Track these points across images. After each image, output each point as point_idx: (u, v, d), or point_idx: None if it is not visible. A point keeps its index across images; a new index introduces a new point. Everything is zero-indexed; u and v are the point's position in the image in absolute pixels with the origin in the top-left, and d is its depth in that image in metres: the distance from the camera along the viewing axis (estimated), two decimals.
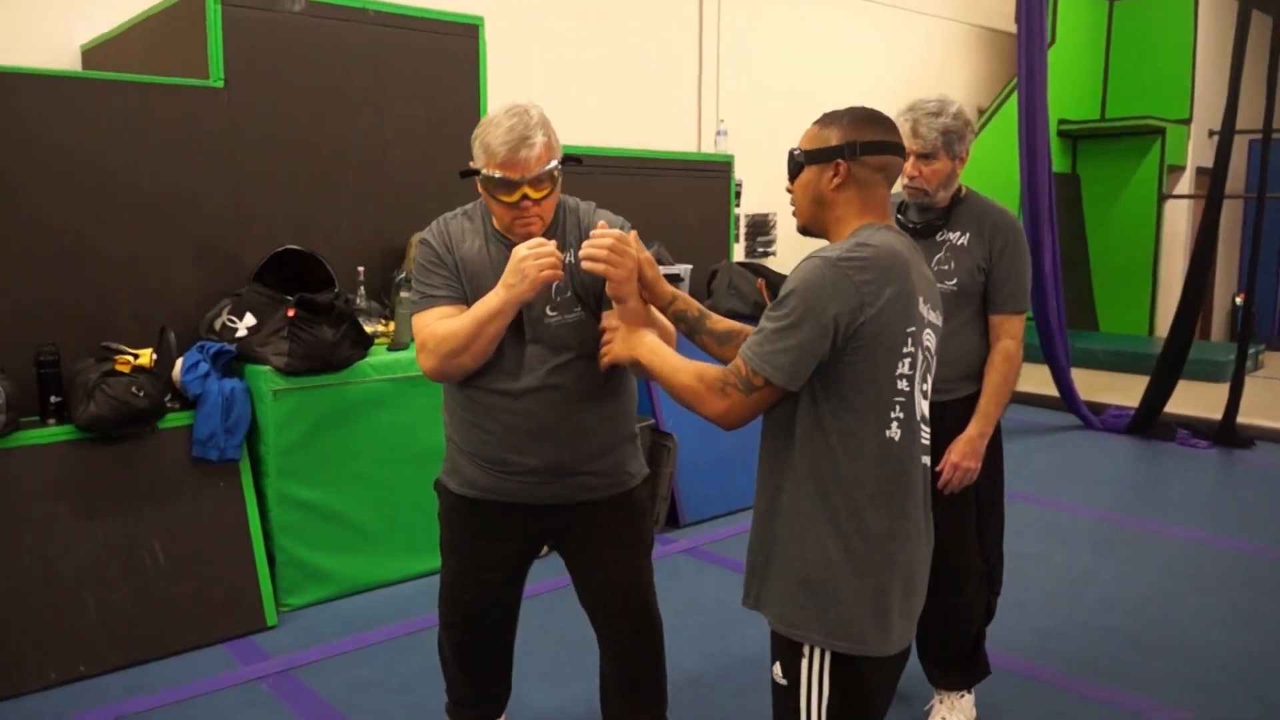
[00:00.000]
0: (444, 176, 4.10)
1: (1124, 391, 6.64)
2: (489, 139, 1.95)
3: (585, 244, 1.83)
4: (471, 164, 2.01)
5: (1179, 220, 10.10)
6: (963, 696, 2.62)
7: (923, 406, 1.63)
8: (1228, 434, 5.78)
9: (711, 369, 1.63)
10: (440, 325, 1.97)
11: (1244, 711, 2.75)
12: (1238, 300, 11.04)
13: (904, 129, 2.32)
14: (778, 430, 1.64)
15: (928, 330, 1.63)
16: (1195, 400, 6.41)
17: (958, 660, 2.60)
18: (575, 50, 6.01)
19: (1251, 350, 8.29)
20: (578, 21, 6.02)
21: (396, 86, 3.97)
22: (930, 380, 1.69)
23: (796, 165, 1.66)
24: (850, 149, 1.60)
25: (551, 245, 1.92)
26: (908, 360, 1.57)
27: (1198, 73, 9.80)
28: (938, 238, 2.43)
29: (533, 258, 1.88)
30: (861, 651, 1.59)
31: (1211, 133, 9.47)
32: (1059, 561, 3.90)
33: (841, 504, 1.57)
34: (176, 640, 3.03)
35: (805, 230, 1.72)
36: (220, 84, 3.52)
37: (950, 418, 2.42)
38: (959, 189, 2.45)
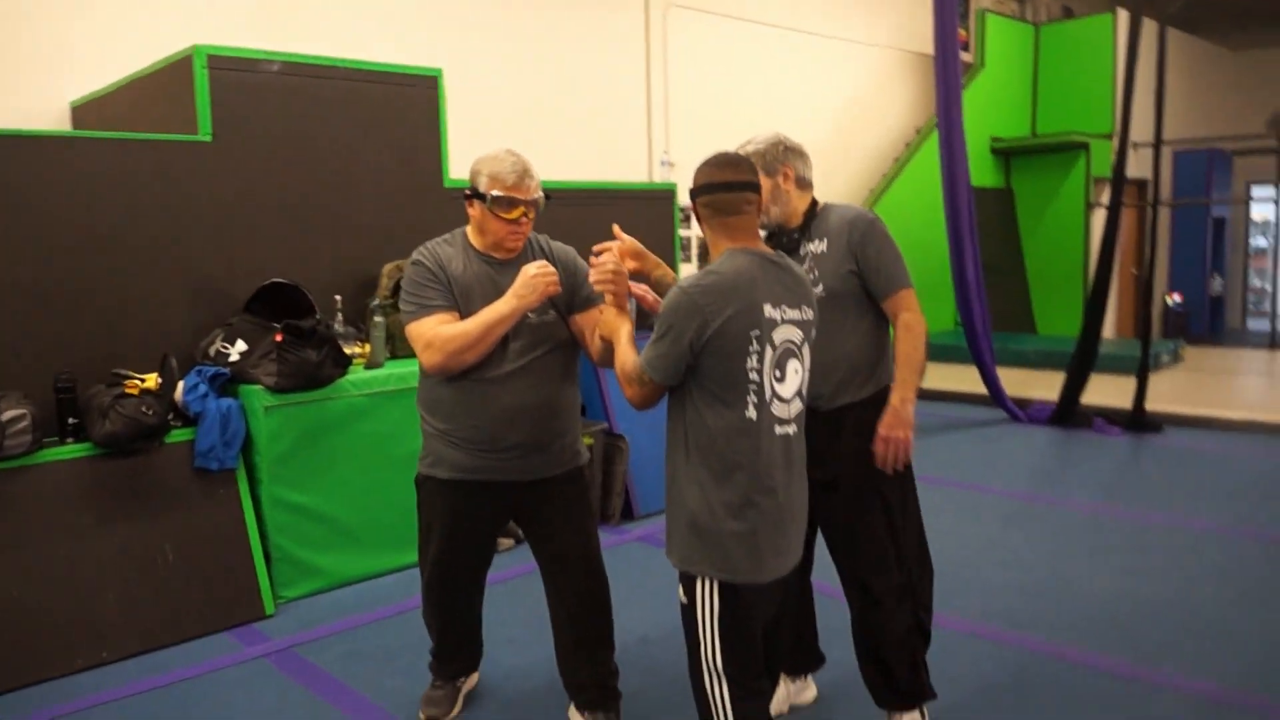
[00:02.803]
0: (410, 213, 4.58)
1: (1053, 388, 7.16)
2: (498, 169, 2.50)
3: (593, 270, 2.27)
4: (474, 188, 2.53)
5: None
6: (913, 716, 2.60)
7: (777, 388, 2.08)
8: (1138, 420, 6.33)
9: (633, 364, 2.13)
10: (445, 329, 2.46)
11: (1112, 643, 3.22)
12: (1168, 300, 11.71)
13: None
14: (673, 416, 2.14)
15: (783, 327, 2.08)
16: (1116, 392, 6.94)
17: (893, 679, 2.58)
18: (529, 94, 6.53)
19: (1173, 345, 8.94)
20: (531, 68, 6.55)
21: (365, 134, 4.44)
22: (793, 365, 2.10)
23: None
24: (691, 194, 2.13)
25: (551, 267, 2.46)
26: (755, 355, 2.03)
27: (1118, 89, 10.47)
28: (801, 251, 2.56)
29: (541, 275, 2.43)
30: (739, 580, 2.07)
31: (1135, 145, 10.14)
32: (969, 534, 4.39)
33: (718, 467, 2.05)
34: (188, 628, 3.44)
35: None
36: (209, 138, 3.97)
37: (851, 422, 2.50)
38: (814, 204, 2.58)
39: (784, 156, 2.54)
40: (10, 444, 3.20)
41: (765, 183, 2.48)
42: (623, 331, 2.25)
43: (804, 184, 2.58)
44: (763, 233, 2.60)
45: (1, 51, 4.60)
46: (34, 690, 3.10)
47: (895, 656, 2.56)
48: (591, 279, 2.31)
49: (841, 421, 2.52)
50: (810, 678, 2.91)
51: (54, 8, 4.76)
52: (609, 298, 2.32)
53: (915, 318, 2.50)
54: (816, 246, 2.54)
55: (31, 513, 3.28)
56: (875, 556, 2.53)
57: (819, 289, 2.50)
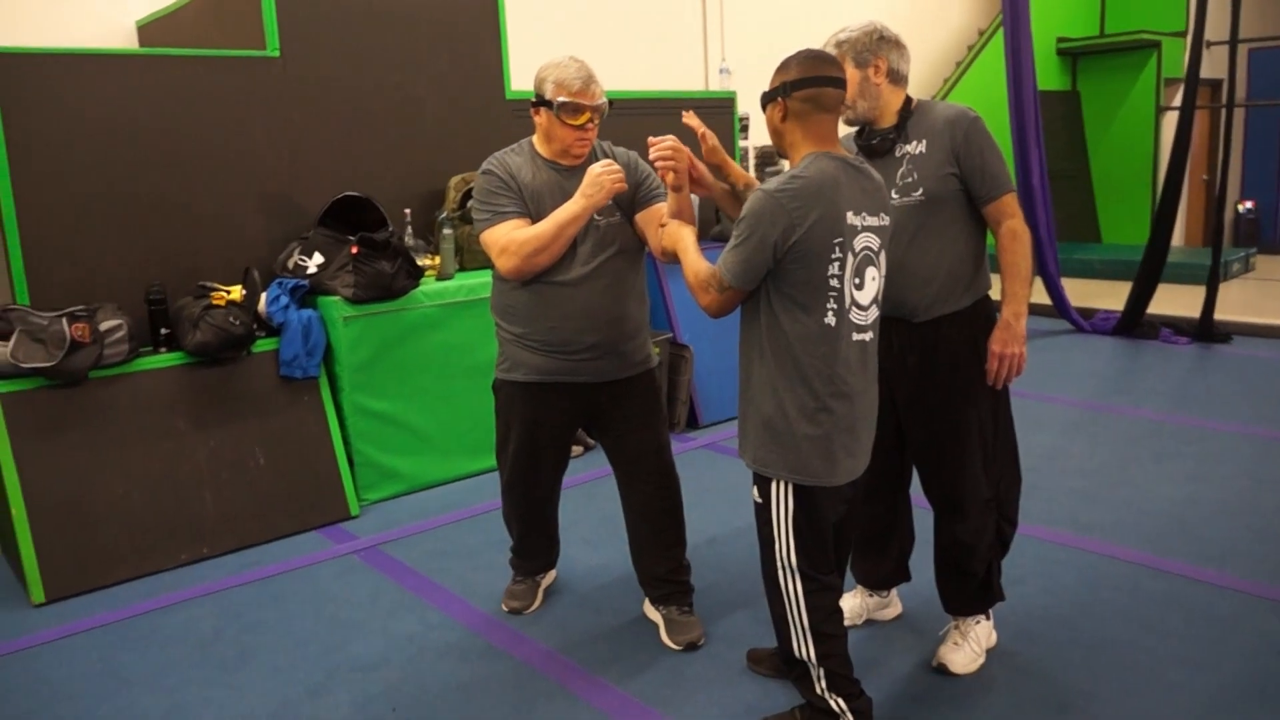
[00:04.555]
0: (474, 126, 4.60)
1: (1118, 298, 7.04)
2: (563, 76, 2.53)
3: (653, 150, 2.31)
4: (540, 96, 2.55)
5: None
6: (978, 623, 2.61)
7: (856, 295, 2.10)
8: (1205, 330, 6.22)
9: (707, 271, 2.15)
10: (519, 233, 2.51)
11: (1175, 546, 3.27)
12: (1239, 208, 11.33)
13: None
14: (748, 320, 2.17)
15: (864, 234, 2.09)
16: (1184, 302, 6.82)
17: (968, 588, 2.58)
18: (585, 3, 6.42)
19: (1244, 254, 8.70)
20: None
21: (428, 47, 4.44)
22: (871, 272, 2.12)
23: (762, 105, 2.16)
24: (784, 89, 2.08)
25: (616, 165, 2.49)
26: (836, 263, 2.04)
27: None
28: (897, 153, 2.41)
29: (607, 173, 2.46)
30: (813, 482, 2.13)
31: (1208, 44, 9.69)
32: (1033, 442, 4.41)
33: (793, 373, 2.09)
34: (280, 527, 3.64)
35: (778, 154, 2.22)
36: (276, 53, 4.02)
37: (948, 334, 2.41)
38: (909, 101, 2.43)
39: (878, 47, 2.39)
40: (109, 353, 3.37)
41: (854, 75, 2.38)
42: (688, 240, 2.27)
43: (897, 79, 2.42)
44: (852, 129, 2.52)
45: None
46: (142, 582, 3.32)
47: (973, 568, 2.54)
48: (651, 157, 2.33)
49: (938, 334, 2.42)
50: (895, 594, 2.87)
51: None
52: (670, 177, 2.32)
53: (1020, 224, 2.39)
54: (915, 147, 2.39)
55: (130, 417, 3.46)
56: (965, 470, 2.47)
57: (918, 193, 2.37)
